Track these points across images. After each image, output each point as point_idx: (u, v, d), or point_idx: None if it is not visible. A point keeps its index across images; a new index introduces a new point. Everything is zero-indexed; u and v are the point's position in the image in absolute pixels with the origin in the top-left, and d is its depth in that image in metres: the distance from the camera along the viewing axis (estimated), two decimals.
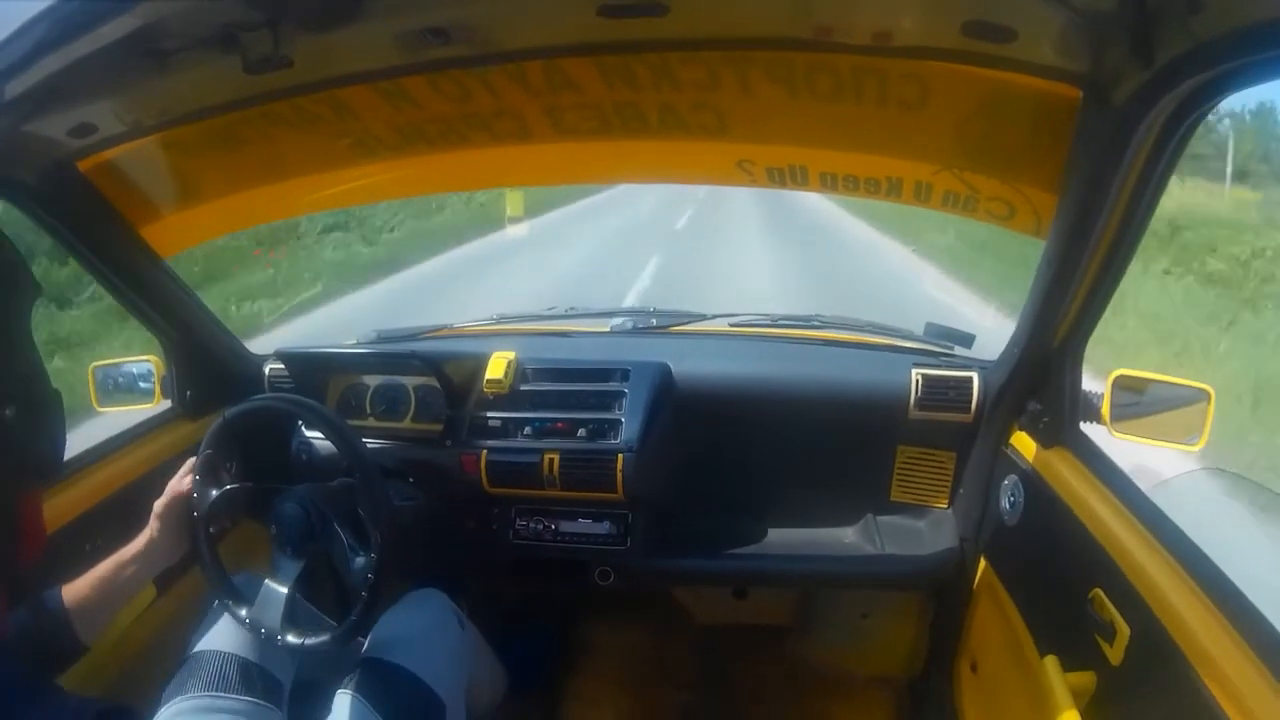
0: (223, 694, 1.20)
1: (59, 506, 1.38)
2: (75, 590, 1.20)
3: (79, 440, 1.28)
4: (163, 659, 1.28)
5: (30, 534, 0.91)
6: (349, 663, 1.31)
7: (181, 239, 1.61)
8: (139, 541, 1.28)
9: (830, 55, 1.11)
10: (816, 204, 15.23)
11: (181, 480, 1.33)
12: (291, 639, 1.23)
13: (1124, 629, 1.06)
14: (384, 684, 1.25)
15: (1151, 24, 0.84)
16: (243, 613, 1.26)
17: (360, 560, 1.27)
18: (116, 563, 1.25)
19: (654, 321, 1.99)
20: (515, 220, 11.59)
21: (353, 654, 1.33)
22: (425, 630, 1.38)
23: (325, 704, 1.25)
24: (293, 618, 1.25)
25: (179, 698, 1.18)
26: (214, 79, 1.13)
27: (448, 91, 1.25)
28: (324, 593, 1.34)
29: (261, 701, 1.22)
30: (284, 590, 1.25)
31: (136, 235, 1.50)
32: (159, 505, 1.31)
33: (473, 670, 1.44)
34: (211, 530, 1.32)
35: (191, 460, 1.33)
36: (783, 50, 1.12)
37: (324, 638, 1.23)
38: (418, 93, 1.26)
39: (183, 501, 1.31)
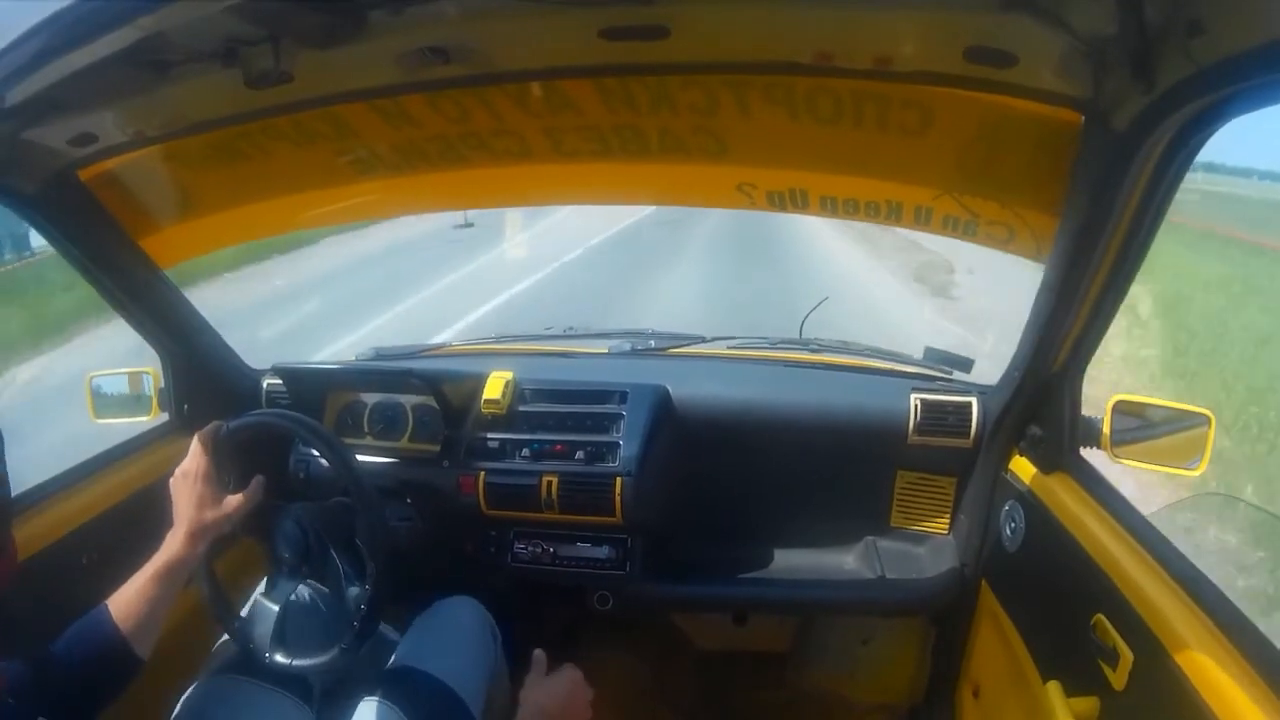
0: (256, 680, 1.22)
1: (55, 520, 1.37)
2: (122, 606, 1.11)
3: None
4: (160, 673, 1.26)
5: None
6: (380, 665, 1.30)
7: (181, 250, 1.61)
8: (173, 547, 1.17)
9: (831, 80, 1.11)
10: None
11: (195, 485, 1.22)
12: (280, 658, 1.22)
13: (1127, 654, 1.05)
14: (418, 695, 1.24)
15: (1152, 49, 0.84)
16: (236, 627, 1.25)
17: (355, 585, 1.26)
18: (155, 571, 1.14)
19: (653, 343, 1.98)
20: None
21: (383, 657, 1.32)
22: (461, 642, 1.37)
23: (355, 706, 1.24)
24: (282, 637, 1.23)
25: (214, 673, 1.21)
26: (215, 92, 1.13)
27: (447, 111, 1.26)
28: (318, 613, 1.33)
29: (292, 695, 1.23)
30: (275, 608, 1.24)
31: (136, 245, 1.50)
32: (183, 506, 1.21)
33: (494, 686, 1.43)
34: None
35: (198, 466, 1.25)
36: (783, 75, 1.12)
37: (315, 661, 1.22)
38: (417, 111, 1.26)
39: (202, 509, 1.21)
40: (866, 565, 1.72)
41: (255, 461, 1.49)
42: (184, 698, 1.20)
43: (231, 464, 1.33)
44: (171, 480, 1.24)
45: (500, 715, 1.50)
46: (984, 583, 1.58)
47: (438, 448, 1.68)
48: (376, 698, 1.22)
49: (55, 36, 0.79)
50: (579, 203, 1.80)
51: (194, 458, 1.25)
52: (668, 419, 1.70)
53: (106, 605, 1.11)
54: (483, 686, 1.34)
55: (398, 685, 1.24)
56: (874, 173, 1.28)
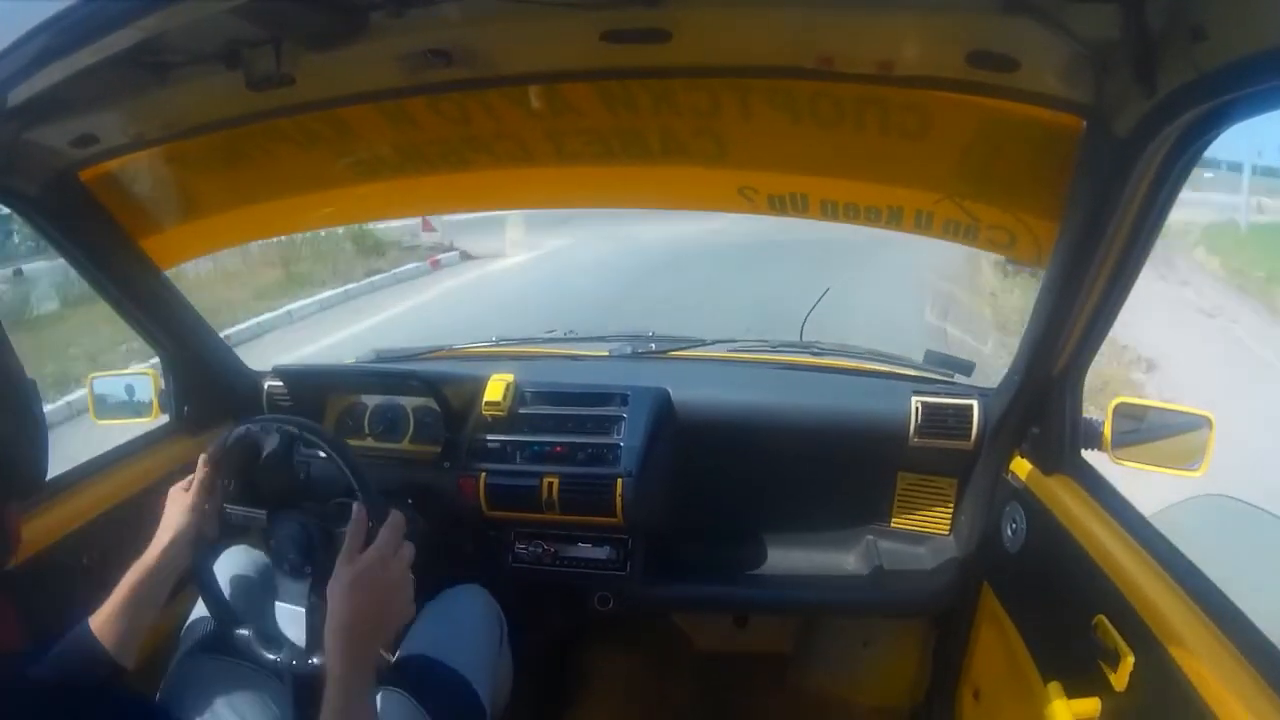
0: (230, 657, 1.23)
1: (54, 521, 1.36)
2: (102, 621, 1.11)
3: None
4: (157, 675, 1.26)
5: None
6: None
7: (181, 252, 1.61)
8: (151, 555, 1.18)
9: (833, 84, 1.11)
10: None
11: (188, 493, 1.26)
12: (315, 660, 1.21)
13: (1128, 655, 1.05)
14: (433, 684, 1.24)
15: (1155, 54, 0.84)
16: (241, 633, 1.25)
17: None
18: (134, 584, 1.15)
19: (653, 346, 1.98)
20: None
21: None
22: (472, 630, 1.38)
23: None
24: (316, 636, 1.23)
25: (189, 653, 1.23)
26: (216, 94, 1.13)
27: (448, 113, 1.26)
28: (317, 615, 1.32)
29: (266, 670, 1.24)
30: (296, 609, 1.23)
31: (137, 247, 1.50)
32: (172, 514, 1.24)
33: (499, 674, 1.44)
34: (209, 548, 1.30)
35: (197, 474, 1.27)
36: (785, 79, 1.12)
37: (315, 664, 1.21)
38: (419, 114, 1.26)
39: (192, 513, 1.24)
40: (867, 567, 1.72)
41: (256, 467, 1.49)
42: (165, 680, 1.21)
43: (232, 472, 1.32)
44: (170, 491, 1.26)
45: (499, 700, 1.51)
46: (985, 584, 1.59)
47: (438, 449, 1.68)
48: (391, 687, 1.21)
49: (57, 37, 0.79)
50: (580, 206, 1.79)
51: (197, 470, 1.26)
52: (669, 421, 1.70)
53: (89, 623, 1.10)
54: (492, 674, 1.35)
55: (411, 674, 1.25)
56: (875, 177, 1.28)
